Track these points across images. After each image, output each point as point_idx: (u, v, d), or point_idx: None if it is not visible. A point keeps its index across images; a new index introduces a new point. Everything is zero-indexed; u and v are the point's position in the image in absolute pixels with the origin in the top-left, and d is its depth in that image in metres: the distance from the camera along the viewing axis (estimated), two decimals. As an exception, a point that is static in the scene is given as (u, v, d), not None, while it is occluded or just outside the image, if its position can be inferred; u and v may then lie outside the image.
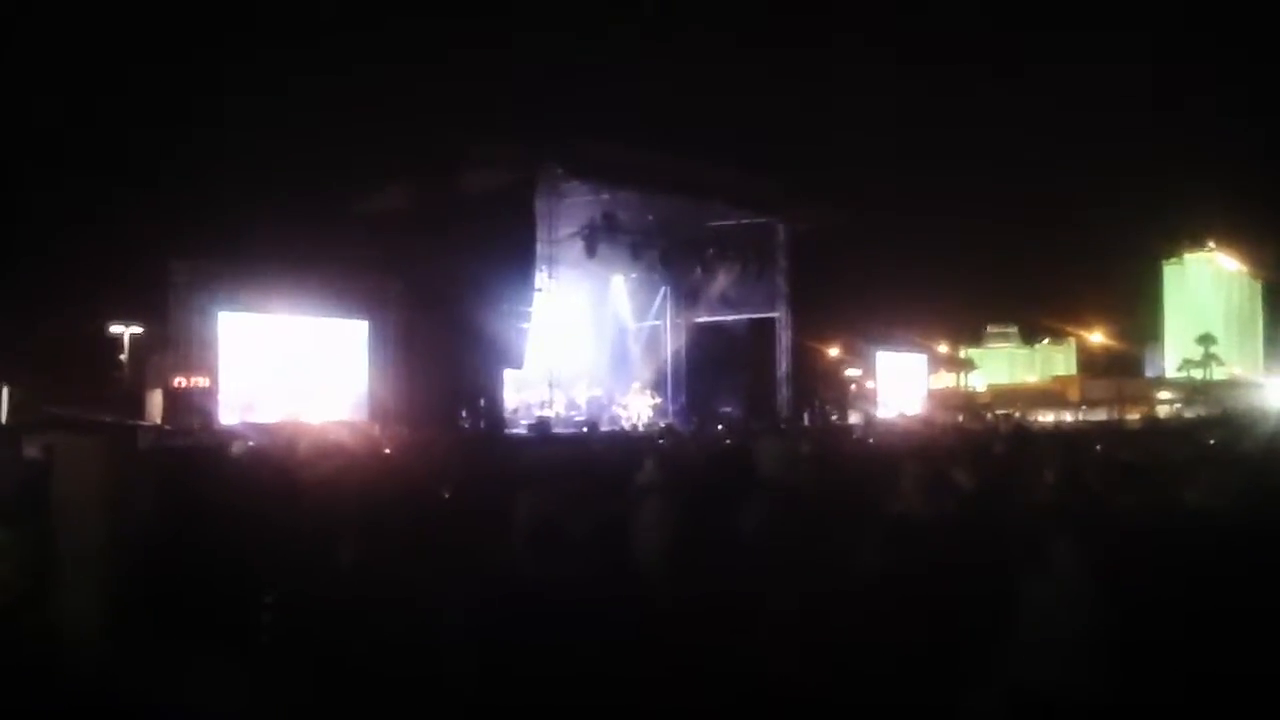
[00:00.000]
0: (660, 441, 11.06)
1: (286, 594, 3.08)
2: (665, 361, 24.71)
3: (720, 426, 17.00)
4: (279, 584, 3.11)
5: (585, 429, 18.50)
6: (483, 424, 17.24)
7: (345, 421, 15.77)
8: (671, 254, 22.11)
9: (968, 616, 2.86)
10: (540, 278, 19.21)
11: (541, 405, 19.35)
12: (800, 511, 3.96)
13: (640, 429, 19.19)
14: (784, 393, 23.60)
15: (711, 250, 22.48)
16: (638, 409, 21.46)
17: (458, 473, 5.36)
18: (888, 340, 27.94)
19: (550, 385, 19.67)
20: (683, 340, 24.72)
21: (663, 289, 24.54)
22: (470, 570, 3.12)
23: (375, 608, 2.97)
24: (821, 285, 23.27)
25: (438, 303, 17.39)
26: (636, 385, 22.00)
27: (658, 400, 22.21)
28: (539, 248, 19.04)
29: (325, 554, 3.38)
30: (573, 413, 21.14)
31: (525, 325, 18.90)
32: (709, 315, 24.11)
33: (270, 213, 16.32)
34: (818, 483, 4.88)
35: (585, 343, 22.88)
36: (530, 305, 18.89)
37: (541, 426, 17.09)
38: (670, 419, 22.47)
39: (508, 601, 2.90)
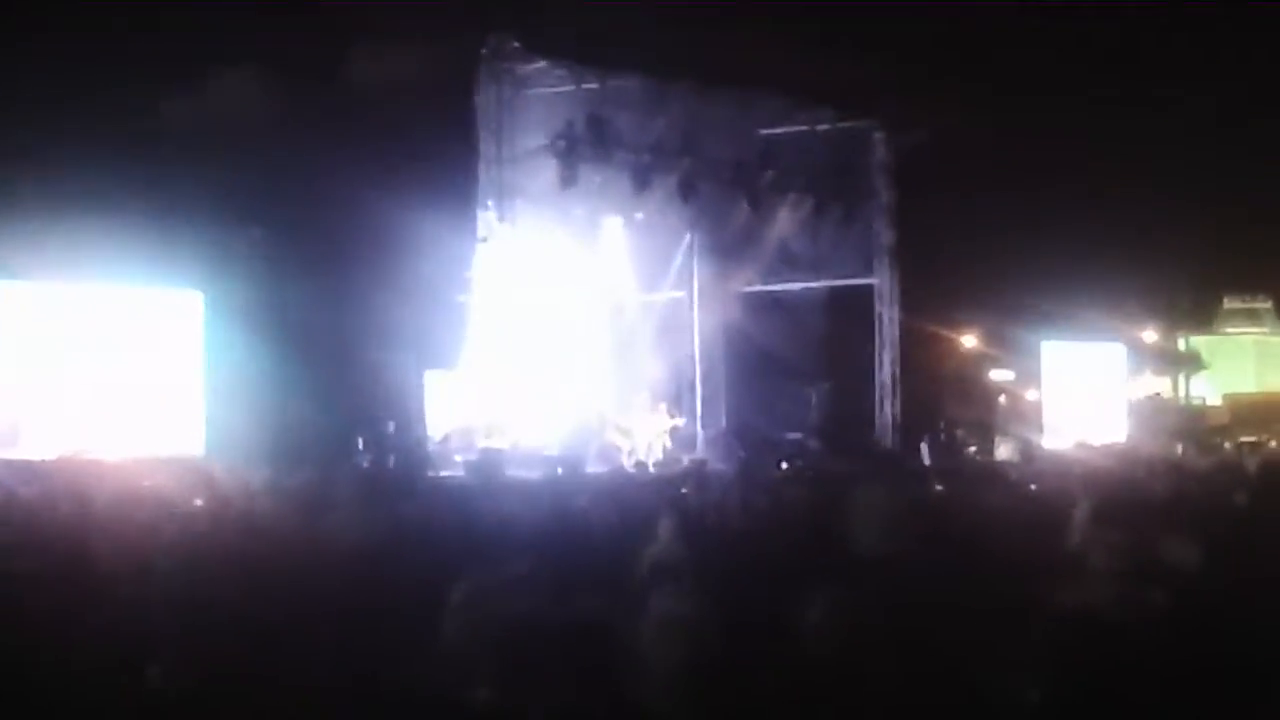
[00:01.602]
0: (683, 491, 11.06)
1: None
2: (691, 358, 24.95)
3: (783, 466, 16.97)
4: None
5: (560, 469, 19.04)
6: (391, 461, 17.23)
7: (165, 458, 15.39)
8: (700, 182, 22.25)
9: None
10: (486, 221, 19.28)
11: (489, 431, 19.46)
12: (922, 615, 3.87)
13: (650, 468, 19.32)
14: (888, 409, 23.69)
15: (766, 176, 22.58)
16: (646, 436, 21.60)
17: (344, 547, 5.36)
18: (1058, 323, 27.44)
19: (503, 398, 19.72)
20: (720, 323, 24.98)
21: (686, 238, 24.82)
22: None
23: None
24: (948, 233, 23.27)
25: (319, 263, 17.40)
26: (644, 397, 22.05)
27: (678, 421, 22.35)
28: (483, 171, 19.12)
29: (122, 686, 3.42)
30: (540, 443, 21.37)
31: (462, 299, 18.99)
32: (762, 282, 24.32)
33: (41, 116, 16.02)
34: (950, 563, 4.81)
35: (560, 327, 23.03)
36: (469, 267, 18.96)
37: (488, 466, 17.23)
38: (700, 452, 22.63)
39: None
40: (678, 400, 23.83)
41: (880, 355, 23.93)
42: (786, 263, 23.98)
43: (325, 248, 17.54)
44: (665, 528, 5.98)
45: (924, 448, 22.15)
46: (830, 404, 24.16)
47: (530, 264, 21.88)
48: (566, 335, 23.09)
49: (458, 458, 19.31)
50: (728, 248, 24.77)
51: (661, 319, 24.95)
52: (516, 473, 19.33)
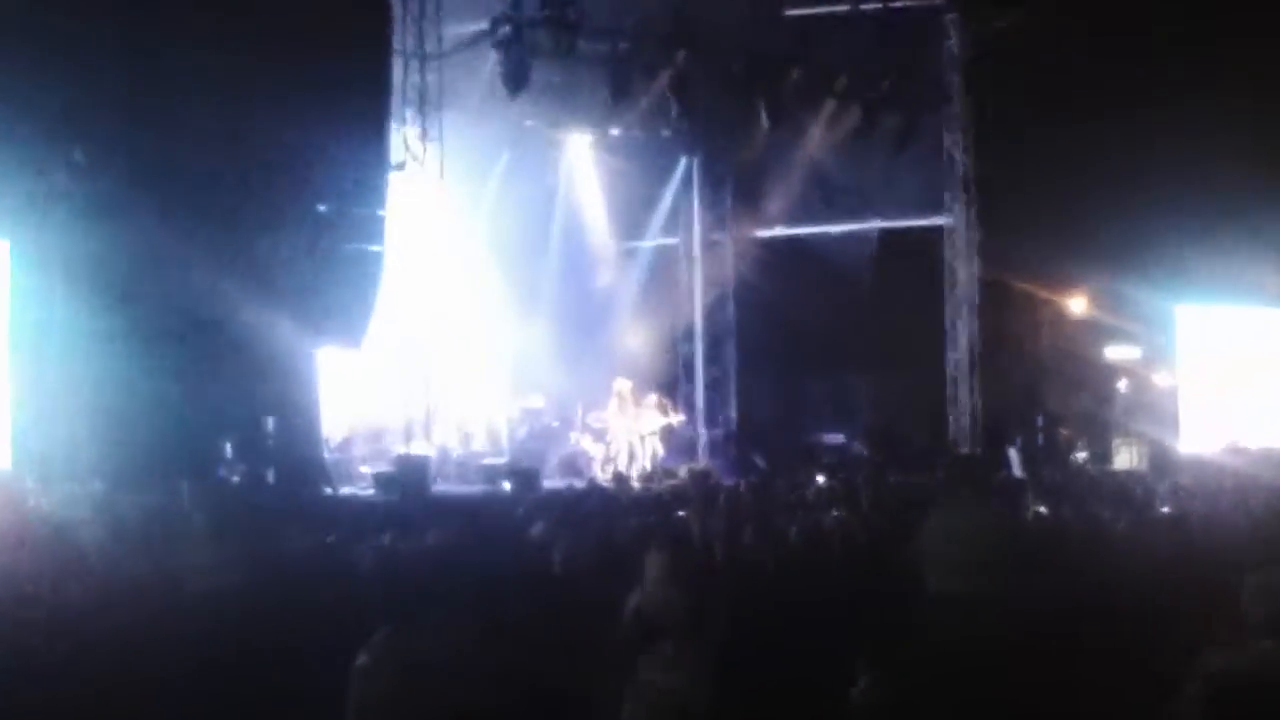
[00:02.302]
0: (679, 515, 11.25)
1: None
2: (689, 330, 25.53)
3: (819, 481, 16.98)
4: None
5: (508, 484, 19.08)
6: (270, 474, 17.31)
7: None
8: (701, 83, 22.39)
9: None
10: (403, 138, 19.27)
11: (408, 432, 19.58)
12: (1018, 703, 3.90)
13: (634, 483, 19.50)
14: (965, 400, 23.76)
15: (793, 75, 22.55)
16: (628, 438, 21.74)
17: (192, 604, 5.38)
18: (1199, 280, 27.23)
19: (428, 386, 19.75)
20: (729, 282, 25.46)
21: (682, 163, 25.20)
22: None
23: None
24: (1046, 156, 23.21)
25: (167, 200, 17.29)
26: (625, 385, 22.04)
27: (674, 418, 22.51)
28: (398, 71, 19.07)
29: None
30: (481, 448, 21.74)
31: (370, 250, 18.93)
32: (788, 225, 24.72)
33: None
34: (1057, 624, 4.80)
35: (507, 288, 23.16)
36: (379, 204, 18.92)
37: (407, 480, 17.87)
38: (702, 461, 23.02)
39: None
40: (671, 389, 23.94)
41: (953, 325, 23.93)
42: (822, 198, 24.13)
43: (175, 179, 17.38)
44: (655, 569, 5.92)
45: (1013, 454, 22.11)
46: (884, 393, 24.27)
47: (465, 200, 21.95)
48: (515, 299, 23.16)
49: (365, 469, 19.56)
50: (740, 177, 24.80)
51: (648, 276, 25.16)
52: (447, 489, 19.40)
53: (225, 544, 5.82)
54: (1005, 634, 4.51)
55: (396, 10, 19.05)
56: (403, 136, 19.37)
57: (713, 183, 25.17)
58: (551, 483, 19.48)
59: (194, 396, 17.22)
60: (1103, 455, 23.71)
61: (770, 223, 24.64)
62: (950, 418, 23.88)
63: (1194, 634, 4.63)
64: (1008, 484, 18.12)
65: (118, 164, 17.40)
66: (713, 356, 25.26)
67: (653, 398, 22.28)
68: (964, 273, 23.96)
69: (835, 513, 11.36)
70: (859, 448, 23.07)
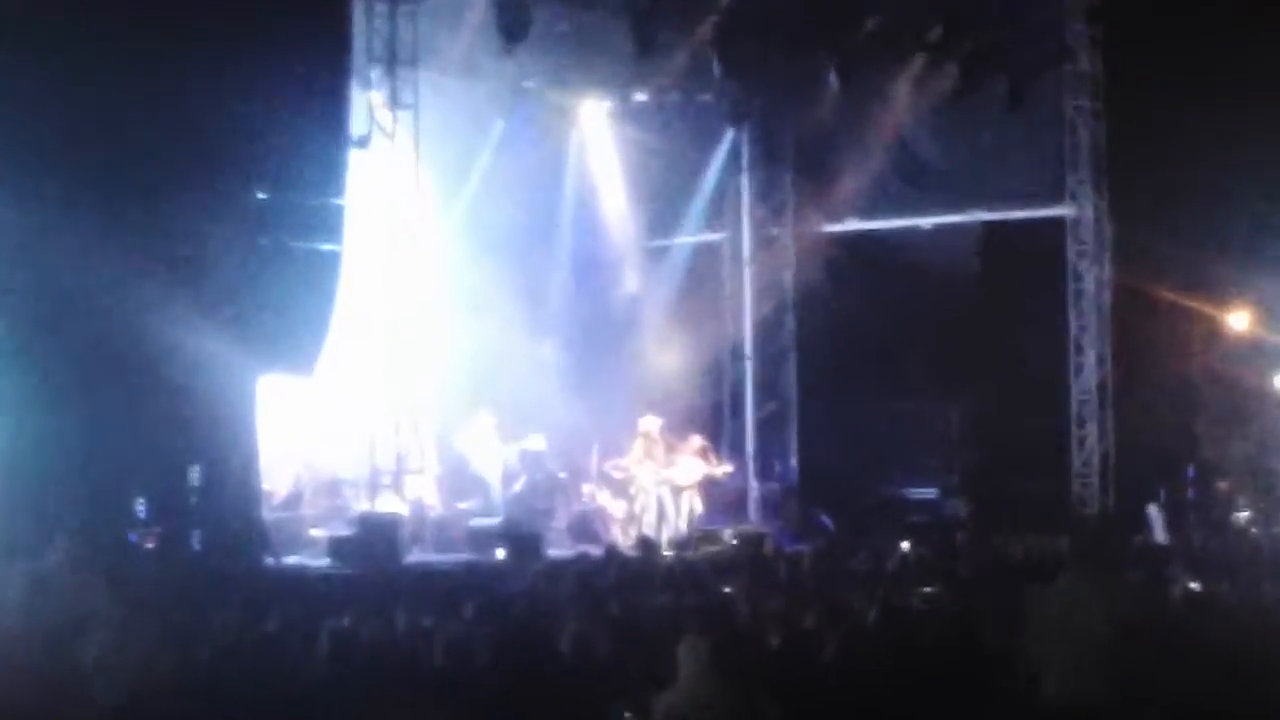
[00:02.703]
0: (725, 593, 11.09)
1: None
2: (739, 350, 25.50)
3: (906, 547, 16.96)
4: None
5: (503, 552, 19.04)
6: (196, 539, 17.40)
7: None
8: (750, 35, 22.37)
9: None
10: (367, 105, 19.31)
11: (374, 485, 19.69)
12: None
13: (665, 550, 19.54)
14: (1092, 441, 23.58)
15: (868, 25, 22.56)
16: (658, 491, 21.77)
17: (122, 701, 5.41)
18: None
19: (399, 424, 19.75)
20: (791, 286, 25.43)
21: (728, 137, 25.17)
22: None
23: None
24: (1196, 132, 23.12)
25: (66, 183, 17.34)
26: (653, 424, 22.00)
27: (720, 468, 22.55)
28: (362, 24, 19.07)
29: None
30: (468, 505, 21.71)
31: (329, 249, 18.94)
32: (864, 217, 24.71)
33: None
34: None
35: (505, 296, 23.14)
36: (338, 191, 18.93)
37: (372, 545, 17.88)
38: (754, 521, 23.00)
39: None
40: (713, 429, 23.94)
41: (1078, 346, 23.83)
42: (908, 182, 24.12)
43: (76, 157, 17.43)
44: (692, 660, 5.92)
45: (1155, 513, 22.03)
46: (987, 433, 24.12)
47: (446, 184, 22.01)
48: (512, 312, 23.11)
49: (317, 531, 19.51)
50: (802, 155, 24.77)
51: (684, 283, 25.19)
52: (423, 558, 19.19)
53: (139, 634, 5.81)
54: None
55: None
56: (366, 103, 19.34)
57: (767, 162, 25.12)
58: (559, 550, 19.37)
59: (99, 440, 17.20)
60: (1271, 515, 23.53)
61: (841, 214, 24.62)
62: (1073, 464, 23.69)
63: None
64: (1148, 552, 18.05)
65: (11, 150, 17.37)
66: (767, 385, 25.17)
67: (694, 440, 22.20)
68: (1092, 278, 23.83)
69: (924, 589, 11.34)
70: (955, 504, 22.93)
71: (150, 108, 17.28)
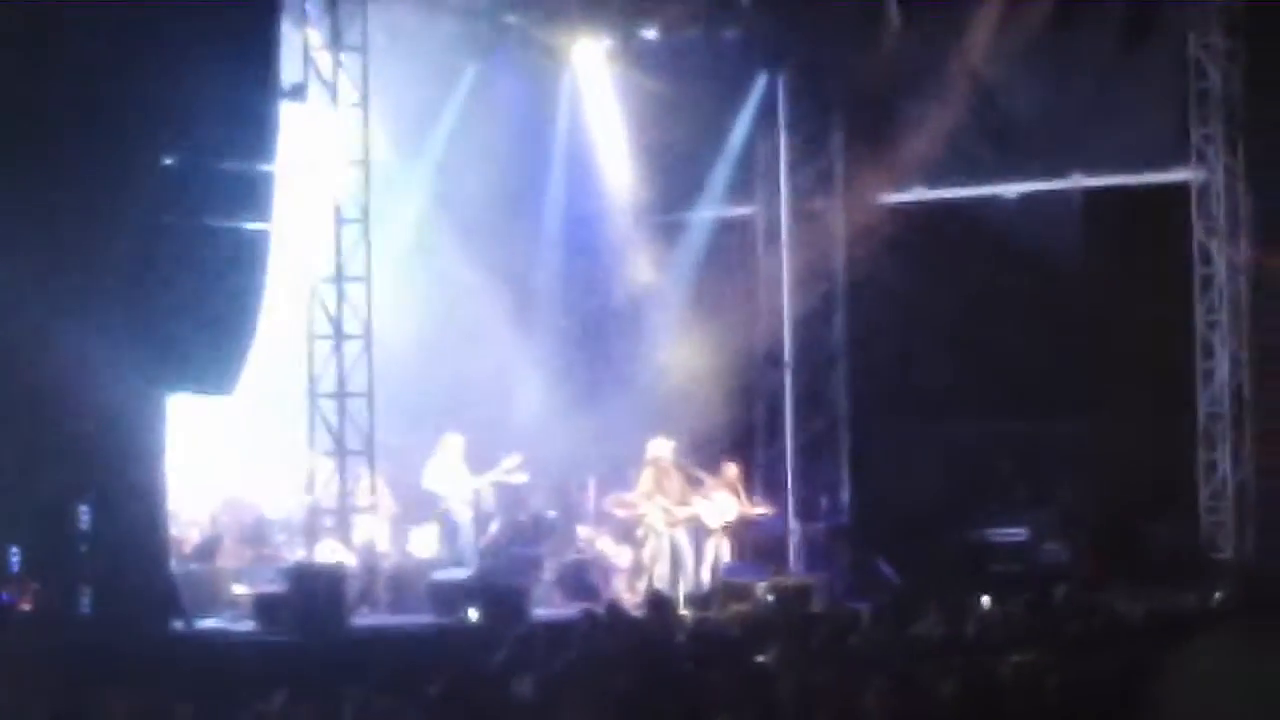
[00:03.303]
0: (759, 664, 11.27)
1: None
2: (776, 353, 25.66)
3: (989, 603, 17.00)
4: None
5: (479, 610, 19.07)
6: (85, 597, 17.29)
7: None
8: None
9: None
10: (303, 46, 19.34)
11: (311, 527, 19.75)
12: None
13: (684, 609, 19.51)
14: (1228, 461, 23.48)
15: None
16: (671, 532, 21.80)
17: None
18: None
19: (344, 452, 19.75)
20: (841, 270, 25.57)
21: (760, 83, 25.32)
22: None
23: None
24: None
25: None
26: (665, 448, 22.03)
27: (755, 510, 22.59)
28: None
29: None
30: (433, 556, 21.79)
31: (255, 228, 18.93)
32: (937, 183, 24.88)
33: None
34: None
35: (478, 282, 23.35)
36: (268, 154, 18.93)
37: (314, 605, 17.80)
38: (795, 568, 23.11)
39: None
40: (743, 453, 23.98)
41: (1206, 345, 23.83)
42: (989, 141, 24.21)
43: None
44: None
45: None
46: (1093, 455, 24.16)
47: (403, 145, 22.18)
48: (486, 303, 23.40)
49: (239, 588, 19.53)
50: (854, 108, 24.83)
51: (705, 267, 25.34)
52: (374, 621, 19.20)
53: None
54: None
55: None
56: (301, 44, 19.38)
57: (810, 117, 25.14)
58: (548, 610, 19.36)
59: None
60: None
61: (904, 181, 24.70)
62: (1203, 496, 23.69)
63: None
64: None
65: None
66: (811, 400, 25.25)
67: (728, 470, 22.28)
68: (1224, 260, 23.85)
69: (1015, 658, 11.28)
70: (1053, 549, 22.90)
71: (27, 56, 17.33)
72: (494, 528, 22.00)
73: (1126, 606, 16.32)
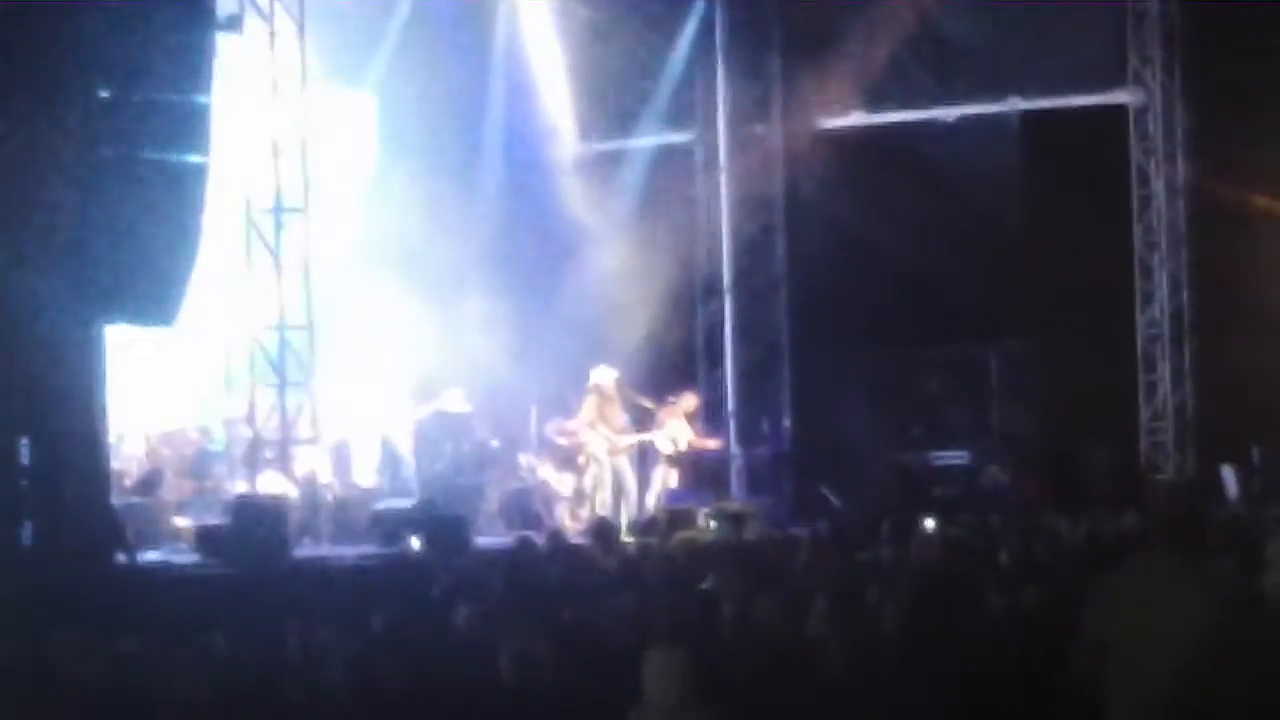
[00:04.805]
0: (702, 590, 11.35)
1: None
2: (715, 280, 25.68)
3: (931, 526, 17.04)
4: None
5: (421, 540, 18.98)
6: (27, 532, 17.22)
7: None
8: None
9: None
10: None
11: (253, 459, 19.82)
12: None
13: (625, 534, 19.49)
14: (1163, 393, 23.59)
15: None
16: (614, 460, 21.80)
17: None
18: None
19: (284, 384, 19.72)
20: (780, 197, 25.49)
21: (698, 8, 25.18)
22: None
23: None
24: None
25: None
26: (607, 376, 21.99)
27: (710, 443, 22.65)
28: None
29: None
30: (375, 485, 21.92)
31: (192, 160, 18.87)
32: (876, 107, 24.76)
33: None
34: None
35: (416, 214, 22.98)
36: (204, 86, 18.84)
37: (256, 537, 17.71)
38: (737, 493, 23.06)
39: None
40: (682, 380, 24.03)
41: (1144, 266, 23.87)
42: (929, 65, 24.21)
43: None
44: (662, 674, 5.92)
45: (1228, 475, 22.37)
46: (1032, 379, 24.19)
47: (340, 76, 22.11)
48: (425, 234, 22.99)
49: (181, 520, 19.52)
50: (792, 32, 24.76)
51: (643, 195, 25.20)
52: (316, 552, 19.24)
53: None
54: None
55: None
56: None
57: (748, 42, 25.06)
58: (490, 539, 19.36)
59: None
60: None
61: (844, 106, 24.60)
62: (1142, 418, 23.85)
63: None
64: (1237, 528, 18.05)
65: None
66: (752, 327, 25.25)
67: (688, 399, 22.45)
68: (1161, 182, 23.89)
69: (958, 580, 11.34)
70: (993, 472, 22.93)
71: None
72: (437, 455, 21.88)
73: (1067, 529, 16.39)
